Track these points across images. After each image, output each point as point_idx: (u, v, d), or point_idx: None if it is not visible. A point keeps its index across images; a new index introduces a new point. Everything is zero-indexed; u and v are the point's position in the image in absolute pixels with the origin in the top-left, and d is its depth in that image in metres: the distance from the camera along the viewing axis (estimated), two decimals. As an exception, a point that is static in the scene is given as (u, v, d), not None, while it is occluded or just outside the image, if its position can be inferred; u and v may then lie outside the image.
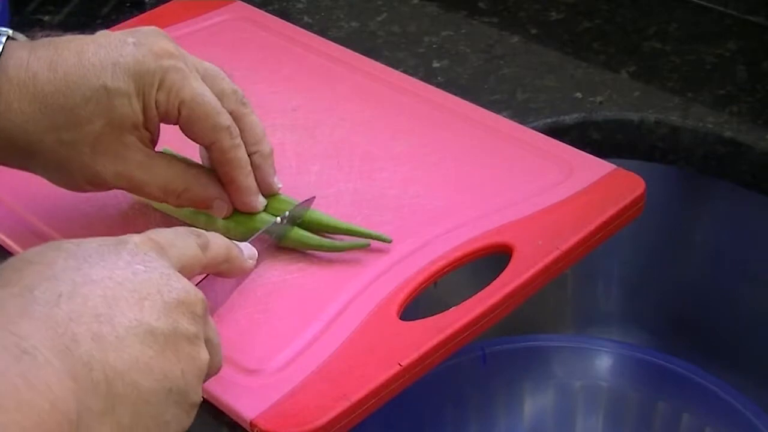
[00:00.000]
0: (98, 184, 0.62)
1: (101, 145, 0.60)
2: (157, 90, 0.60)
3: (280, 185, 0.67)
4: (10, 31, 0.59)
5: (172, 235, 0.51)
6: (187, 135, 0.63)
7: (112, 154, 0.60)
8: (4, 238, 0.68)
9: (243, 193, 0.64)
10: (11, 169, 0.63)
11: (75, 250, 0.47)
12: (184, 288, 0.48)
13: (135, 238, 0.49)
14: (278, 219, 0.64)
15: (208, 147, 0.63)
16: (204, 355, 0.49)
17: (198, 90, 0.61)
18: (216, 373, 0.52)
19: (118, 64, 0.59)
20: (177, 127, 0.63)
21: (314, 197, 0.66)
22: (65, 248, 0.47)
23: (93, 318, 0.44)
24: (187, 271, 0.51)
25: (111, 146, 0.60)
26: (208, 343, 0.50)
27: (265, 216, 0.65)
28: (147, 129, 0.61)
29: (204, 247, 0.53)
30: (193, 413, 0.49)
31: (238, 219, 0.65)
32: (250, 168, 0.64)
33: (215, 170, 0.64)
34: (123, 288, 0.46)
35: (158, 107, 0.60)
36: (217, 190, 0.64)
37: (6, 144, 0.59)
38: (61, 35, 0.61)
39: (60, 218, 0.68)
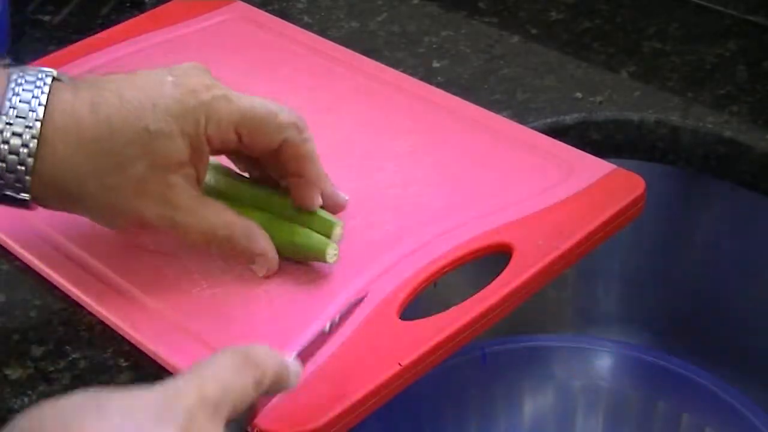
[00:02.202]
0: (143, 226, 0.61)
1: (145, 188, 0.59)
2: (206, 126, 0.59)
3: (346, 198, 0.66)
4: (55, 72, 0.59)
5: (228, 377, 0.46)
6: (255, 154, 0.63)
7: (156, 196, 0.59)
8: (4, 238, 0.68)
9: (308, 187, 0.63)
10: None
11: (106, 427, 0.42)
12: None
13: (186, 403, 0.44)
14: (327, 326, 0.57)
15: (279, 149, 0.62)
16: None
17: (247, 104, 0.60)
18: None
19: (157, 105, 0.58)
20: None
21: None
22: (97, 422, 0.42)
23: None
24: (237, 412, 0.47)
25: (155, 189, 0.59)
26: None
27: (302, 231, 0.64)
28: (194, 166, 0.61)
29: (259, 383, 0.48)
30: None
31: (275, 229, 0.64)
32: (319, 161, 0.63)
33: (284, 167, 0.63)
34: None
35: (212, 142, 0.60)
36: (263, 246, 0.63)
37: (51, 188, 0.59)
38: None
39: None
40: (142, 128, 0.58)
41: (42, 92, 0.57)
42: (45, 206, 0.61)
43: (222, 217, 0.62)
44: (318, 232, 0.64)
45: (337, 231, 0.64)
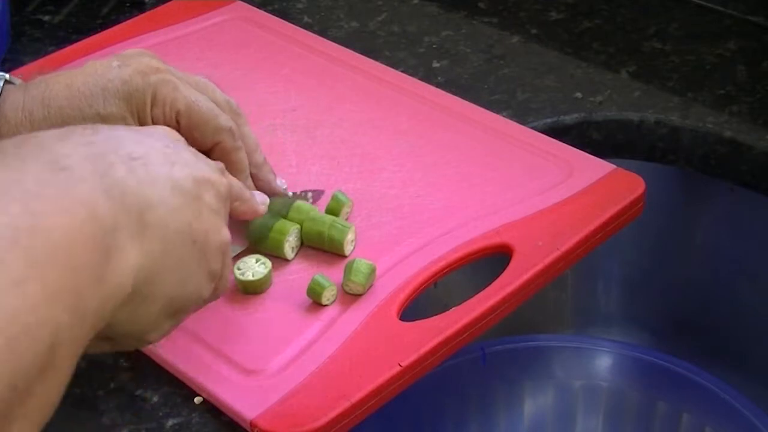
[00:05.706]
0: None
1: None
2: (152, 107, 0.61)
3: (284, 186, 0.67)
4: (7, 75, 0.61)
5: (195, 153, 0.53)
6: (189, 142, 0.62)
7: None
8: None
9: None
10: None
11: (109, 126, 0.49)
12: (211, 169, 0.51)
13: (161, 129, 0.52)
14: (291, 193, 0.66)
15: (211, 150, 0.63)
16: (225, 234, 0.51)
17: (192, 97, 0.61)
18: (219, 297, 0.54)
19: (106, 89, 0.60)
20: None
21: (323, 191, 0.68)
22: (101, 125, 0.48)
23: (128, 157, 0.45)
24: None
25: None
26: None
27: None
28: None
29: (222, 171, 0.54)
30: (210, 286, 0.50)
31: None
32: (248, 172, 0.64)
33: None
34: (154, 149, 0.47)
35: (156, 123, 0.61)
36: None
37: None
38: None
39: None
40: (94, 114, 0.59)
41: None
42: None
43: None
44: (331, 236, 0.64)
45: (349, 236, 0.65)
